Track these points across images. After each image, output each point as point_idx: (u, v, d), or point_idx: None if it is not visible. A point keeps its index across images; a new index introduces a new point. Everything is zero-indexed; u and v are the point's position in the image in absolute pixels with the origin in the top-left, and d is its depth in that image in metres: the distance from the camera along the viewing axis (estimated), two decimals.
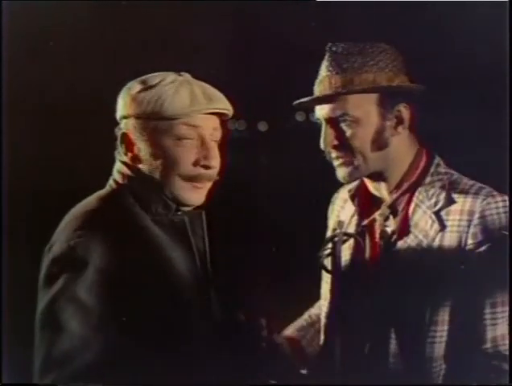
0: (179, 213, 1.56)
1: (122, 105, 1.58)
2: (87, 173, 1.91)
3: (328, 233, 1.85)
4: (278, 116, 1.79)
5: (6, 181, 1.85)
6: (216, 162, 1.55)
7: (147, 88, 1.53)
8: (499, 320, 1.58)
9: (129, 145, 1.55)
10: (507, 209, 1.59)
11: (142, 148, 1.54)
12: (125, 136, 1.56)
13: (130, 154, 1.55)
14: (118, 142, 1.58)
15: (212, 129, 1.55)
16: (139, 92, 1.53)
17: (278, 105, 1.67)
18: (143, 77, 1.57)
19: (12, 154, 1.86)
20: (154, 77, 1.56)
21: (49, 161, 1.91)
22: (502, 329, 1.58)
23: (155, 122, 1.52)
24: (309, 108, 1.75)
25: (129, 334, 1.43)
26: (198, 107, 1.52)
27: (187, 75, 1.58)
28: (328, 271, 1.74)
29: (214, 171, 1.56)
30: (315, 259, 1.74)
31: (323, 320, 1.79)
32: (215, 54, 1.88)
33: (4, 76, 1.84)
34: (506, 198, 1.60)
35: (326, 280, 1.79)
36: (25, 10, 1.84)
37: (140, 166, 1.55)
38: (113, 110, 1.90)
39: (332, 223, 1.85)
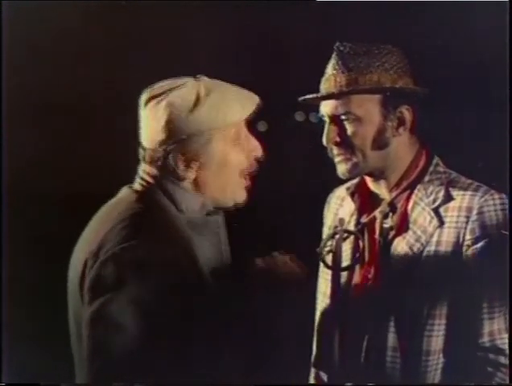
0: (214, 213, 1.56)
1: (169, 128, 1.50)
2: (87, 173, 1.92)
3: (325, 232, 1.88)
4: (278, 116, 1.81)
5: (6, 181, 1.85)
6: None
7: (194, 105, 1.49)
8: (496, 314, 1.62)
9: (185, 162, 1.51)
10: (505, 207, 1.63)
11: (202, 161, 1.51)
12: (181, 155, 1.51)
13: (189, 170, 1.52)
14: (173, 164, 1.51)
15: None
16: (190, 112, 1.50)
17: (278, 105, 1.69)
18: (175, 96, 1.50)
19: (12, 154, 1.86)
20: (188, 93, 1.52)
21: (49, 161, 1.91)
22: (499, 323, 1.62)
23: (211, 134, 1.51)
24: (310, 109, 1.78)
25: (176, 336, 1.41)
26: (248, 110, 1.54)
27: (205, 78, 1.57)
28: (328, 267, 1.77)
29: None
30: (315, 256, 1.77)
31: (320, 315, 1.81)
32: (215, 54, 1.89)
33: (4, 76, 1.84)
34: (504, 196, 1.64)
35: (325, 276, 1.82)
36: (25, 10, 1.84)
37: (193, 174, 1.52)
38: (113, 110, 1.91)
39: (329, 221, 1.88)
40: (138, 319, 1.37)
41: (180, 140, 1.50)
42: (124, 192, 1.57)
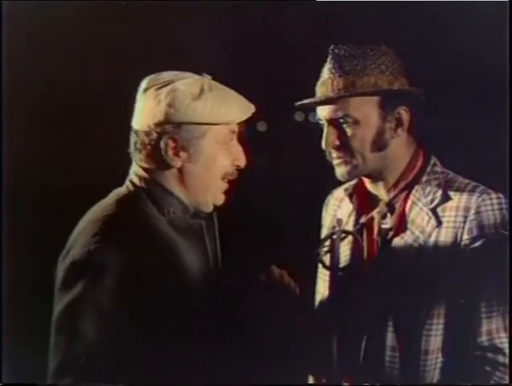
0: (196, 216, 1.57)
1: (168, 111, 1.51)
2: (87, 173, 1.92)
3: (323, 233, 1.88)
4: (278, 116, 1.81)
5: (6, 181, 1.85)
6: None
7: (198, 95, 1.51)
8: (494, 313, 1.62)
9: (175, 150, 1.53)
10: (502, 206, 1.63)
11: (191, 152, 1.53)
12: (172, 141, 1.52)
13: (176, 158, 1.53)
14: (163, 149, 1.52)
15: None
16: (193, 100, 1.51)
17: (278, 105, 1.69)
18: (180, 84, 1.53)
19: (12, 154, 1.86)
20: (193, 84, 1.54)
21: (49, 161, 1.91)
22: (497, 322, 1.62)
23: (205, 128, 1.53)
24: (309, 109, 1.79)
25: (145, 339, 1.43)
26: (245, 114, 1.57)
27: (208, 76, 1.59)
28: (326, 267, 1.78)
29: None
30: (314, 257, 1.77)
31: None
32: (214, 54, 1.89)
33: (4, 76, 1.84)
34: (501, 195, 1.64)
35: (323, 277, 1.83)
36: (25, 10, 1.84)
37: (172, 169, 1.54)
38: (113, 110, 1.91)
39: (327, 222, 1.88)
40: (95, 323, 1.40)
41: (176, 125, 1.51)
42: (110, 195, 1.58)
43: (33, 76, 1.87)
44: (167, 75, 1.56)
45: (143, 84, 1.56)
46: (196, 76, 1.57)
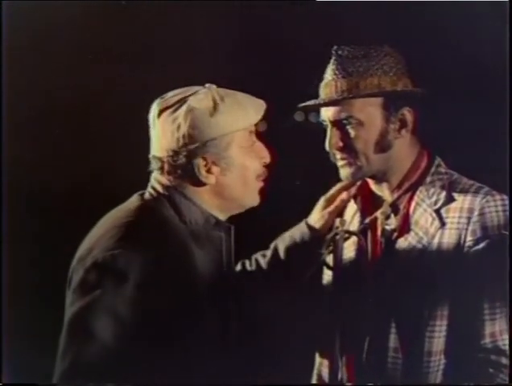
0: (216, 228, 1.57)
1: (192, 133, 1.51)
2: (87, 174, 1.92)
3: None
4: (278, 116, 1.80)
5: (6, 181, 1.85)
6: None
7: (214, 109, 1.52)
8: (497, 315, 1.62)
9: (206, 167, 1.53)
10: (506, 208, 1.63)
11: (222, 166, 1.54)
12: (203, 160, 1.53)
13: (210, 176, 1.54)
14: (196, 169, 1.53)
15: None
16: (211, 116, 1.52)
17: (278, 105, 1.69)
18: (193, 102, 1.52)
19: (12, 154, 1.86)
20: (204, 99, 1.53)
21: (49, 161, 1.91)
22: (501, 324, 1.62)
23: (230, 138, 1.54)
24: (310, 109, 1.78)
25: (158, 345, 1.44)
26: (260, 114, 1.58)
27: (213, 86, 1.58)
28: (329, 268, 1.77)
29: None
30: (317, 257, 1.77)
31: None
32: (215, 54, 1.89)
33: (4, 76, 1.84)
34: (505, 197, 1.64)
35: (326, 278, 1.83)
36: (25, 9, 1.83)
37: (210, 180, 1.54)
38: (113, 110, 1.91)
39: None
40: (110, 328, 1.40)
41: (202, 145, 1.52)
42: (132, 199, 1.59)
43: (33, 76, 1.86)
44: (173, 94, 1.55)
45: (154, 110, 1.56)
46: (204, 89, 1.56)
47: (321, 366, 1.81)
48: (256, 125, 1.60)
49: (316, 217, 1.77)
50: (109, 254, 1.43)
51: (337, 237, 1.75)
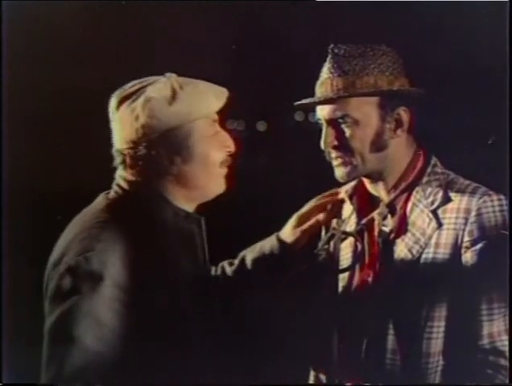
0: (187, 221, 1.56)
1: (151, 123, 1.50)
2: (87, 173, 1.92)
3: (323, 234, 1.87)
4: (277, 116, 1.81)
5: (6, 181, 1.85)
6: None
7: (172, 98, 1.51)
8: (495, 316, 1.61)
9: (168, 157, 1.53)
10: (503, 208, 1.62)
11: (184, 155, 1.53)
12: (163, 149, 1.53)
13: (172, 165, 1.53)
14: (157, 159, 1.52)
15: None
16: (169, 104, 1.51)
17: (278, 105, 1.69)
18: (151, 92, 1.52)
19: (12, 154, 1.86)
20: (163, 88, 1.53)
21: (49, 161, 1.92)
22: (499, 325, 1.61)
23: (190, 126, 1.53)
24: (309, 109, 1.78)
25: (144, 344, 1.43)
26: (221, 101, 1.56)
27: (173, 75, 1.58)
28: (326, 269, 1.77)
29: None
30: (314, 257, 1.77)
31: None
32: (214, 54, 1.89)
33: (4, 77, 1.84)
34: (502, 197, 1.63)
35: (323, 279, 1.82)
36: (25, 10, 1.84)
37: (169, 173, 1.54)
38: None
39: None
40: (93, 332, 1.39)
41: (162, 134, 1.50)
42: (98, 199, 1.57)
43: (33, 76, 1.87)
44: (132, 85, 1.55)
45: (112, 103, 1.56)
46: (163, 78, 1.56)
47: (318, 367, 1.81)
48: (219, 113, 1.58)
49: (288, 233, 1.74)
50: (81, 257, 1.41)
51: (334, 238, 1.75)
